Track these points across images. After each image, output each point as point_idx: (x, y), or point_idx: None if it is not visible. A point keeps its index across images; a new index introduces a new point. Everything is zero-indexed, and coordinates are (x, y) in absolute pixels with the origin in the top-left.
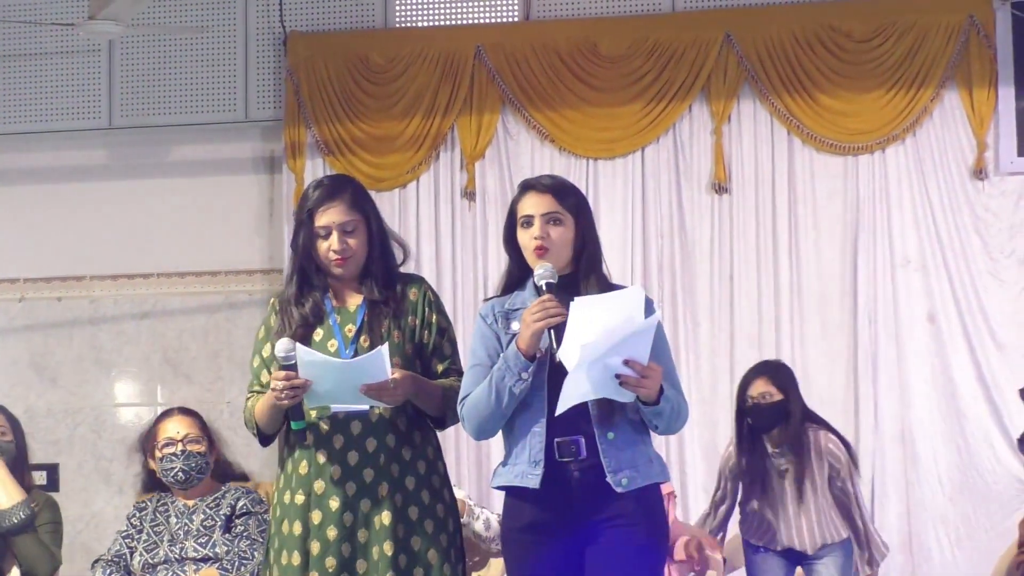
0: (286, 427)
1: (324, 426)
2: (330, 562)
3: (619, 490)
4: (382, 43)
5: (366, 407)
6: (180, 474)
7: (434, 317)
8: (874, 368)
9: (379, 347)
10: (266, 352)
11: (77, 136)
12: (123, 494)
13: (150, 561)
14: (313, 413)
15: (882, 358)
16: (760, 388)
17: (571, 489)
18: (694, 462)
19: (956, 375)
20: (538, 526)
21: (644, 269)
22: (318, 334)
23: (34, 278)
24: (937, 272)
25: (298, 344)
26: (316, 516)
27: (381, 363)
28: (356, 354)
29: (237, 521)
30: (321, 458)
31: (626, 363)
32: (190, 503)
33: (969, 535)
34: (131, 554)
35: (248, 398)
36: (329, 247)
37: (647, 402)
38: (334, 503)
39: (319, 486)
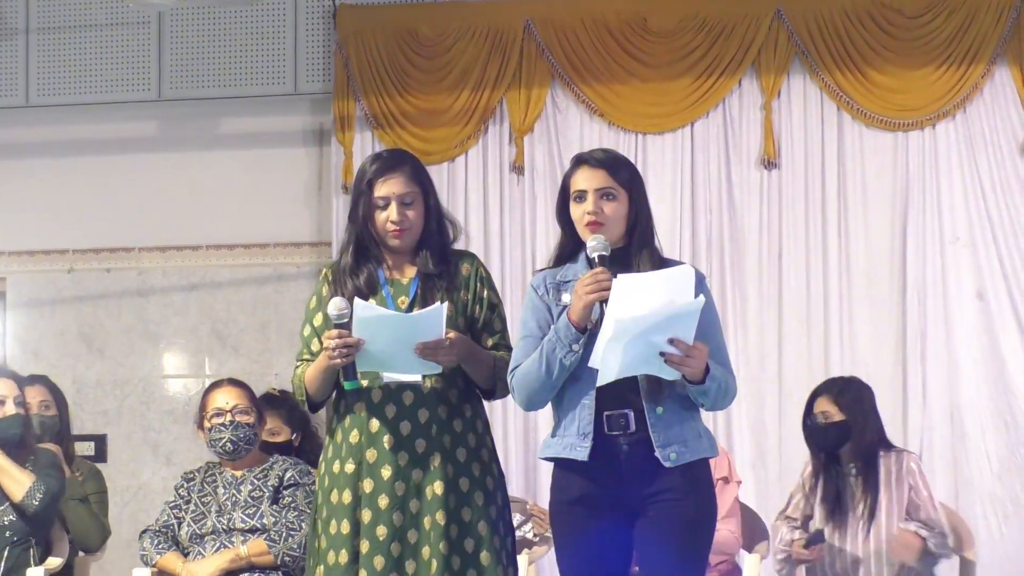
0: (336, 395)
1: (376, 395)
2: (381, 531)
3: (667, 465)
4: (431, 16)
5: (418, 377)
6: (228, 444)
7: (485, 292)
8: (922, 345)
9: (437, 304)
10: (317, 321)
11: (127, 108)
12: (171, 465)
13: (198, 531)
14: (365, 382)
15: (931, 335)
16: (822, 406)
17: (619, 463)
18: (741, 439)
19: (1005, 352)
20: (587, 500)
21: (693, 245)
22: None
23: (83, 249)
24: (986, 249)
25: (356, 298)
26: (367, 485)
27: (438, 319)
28: None
29: (285, 492)
30: (374, 427)
31: (671, 342)
32: (238, 474)
33: (1017, 513)
34: (179, 524)
35: (297, 366)
36: (387, 218)
37: (692, 381)
38: (386, 472)
39: (371, 454)
